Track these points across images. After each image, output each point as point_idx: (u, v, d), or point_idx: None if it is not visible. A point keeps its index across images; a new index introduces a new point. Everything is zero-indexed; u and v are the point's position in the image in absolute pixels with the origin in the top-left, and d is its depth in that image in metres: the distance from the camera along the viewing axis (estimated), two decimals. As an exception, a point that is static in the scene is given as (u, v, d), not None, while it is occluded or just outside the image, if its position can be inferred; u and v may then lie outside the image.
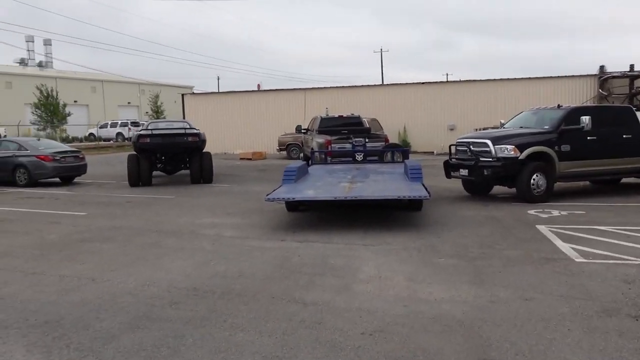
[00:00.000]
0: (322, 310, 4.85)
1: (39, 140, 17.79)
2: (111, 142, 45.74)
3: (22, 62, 68.82)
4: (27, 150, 16.45)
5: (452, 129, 27.44)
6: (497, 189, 12.36)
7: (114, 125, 47.22)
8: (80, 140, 46.30)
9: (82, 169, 17.24)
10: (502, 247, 7.18)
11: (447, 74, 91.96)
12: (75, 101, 61.55)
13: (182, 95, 31.02)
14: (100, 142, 42.81)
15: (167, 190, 14.91)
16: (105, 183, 17.16)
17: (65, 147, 17.74)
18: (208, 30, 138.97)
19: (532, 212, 9.81)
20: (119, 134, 46.03)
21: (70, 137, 45.04)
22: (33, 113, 43.37)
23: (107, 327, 4.55)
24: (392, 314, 4.70)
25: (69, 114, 44.19)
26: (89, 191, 15.01)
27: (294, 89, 30.19)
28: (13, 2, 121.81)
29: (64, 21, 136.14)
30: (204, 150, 16.98)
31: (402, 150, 15.42)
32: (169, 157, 17.23)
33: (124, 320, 4.69)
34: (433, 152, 27.10)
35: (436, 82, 29.74)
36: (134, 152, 16.49)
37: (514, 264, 6.30)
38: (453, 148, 12.40)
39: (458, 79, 31.19)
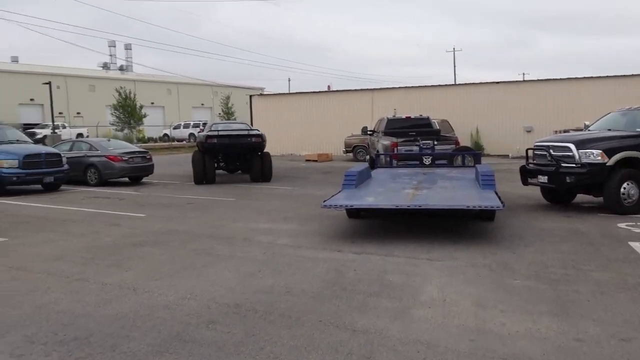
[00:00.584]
0: (373, 340, 4.20)
1: (109, 140, 18.18)
2: (183, 142, 46.95)
3: (105, 66, 72.27)
4: (98, 150, 16.80)
5: (529, 131, 25.84)
6: (581, 197, 11.19)
7: (186, 126, 48.46)
8: (155, 141, 47.84)
9: (149, 169, 17.42)
10: (590, 267, 6.22)
11: (523, 74, 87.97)
12: (152, 103, 63.85)
13: (250, 96, 31.14)
14: (172, 143, 43.98)
15: (229, 191, 14.71)
16: (170, 183, 17.25)
17: (134, 147, 18.02)
18: (281, 33, 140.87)
19: (622, 225, 8.67)
20: (191, 134, 47.08)
21: (145, 137, 46.62)
22: (112, 114, 45.20)
23: (135, 349, 4.11)
24: (456, 351, 3.98)
25: (145, 115, 45.71)
26: (153, 192, 15.06)
27: (362, 90, 29.54)
28: (98, 10, 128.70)
29: (144, 27, 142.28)
30: (264, 150, 17.71)
31: (473, 153, 14.41)
32: (232, 157, 17.99)
33: (154, 342, 4.25)
34: (508, 156, 25.62)
35: (512, 82, 28.13)
36: (199, 152, 17.13)
37: (604, 290, 5.37)
38: (530, 152, 11.33)
39: (535, 78, 29.32)
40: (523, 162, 11.67)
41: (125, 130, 44.11)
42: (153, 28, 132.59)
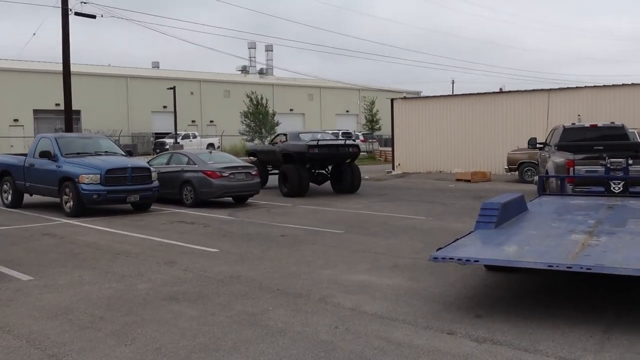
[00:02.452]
0: None
1: (211, 153, 17.63)
2: (321, 155, 46.63)
3: (244, 70, 75.80)
4: (195, 164, 16.29)
5: None
6: None
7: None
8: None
9: (252, 188, 16.53)
10: None
11: None
12: (290, 110, 65.40)
13: (392, 100, 29.49)
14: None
15: (342, 218, 13.17)
16: (279, 205, 16.22)
17: (238, 161, 17.25)
18: (445, 28, 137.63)
19: None
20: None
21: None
22: (242, 122, 46.43)
23: None
24: None
25: (277, 123, 46.32)
26: (251, 216, 14.06)
27: (534, 90, 26.38)
28: (242, 11, 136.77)
29: (290, 27, 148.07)
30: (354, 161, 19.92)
31: (691, 178, 11.30)
32: (323, 167, 19.94)
33: None
34: None
35: None
36: (291, 165, 18.59)
37: None
38: None
39: None
40: None
41: (256, 140, 44.99)
42: (300, 28, 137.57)
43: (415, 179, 25.23)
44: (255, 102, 45.18)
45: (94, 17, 26.37)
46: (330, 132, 48.84)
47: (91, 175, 13.77)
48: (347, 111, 71.88)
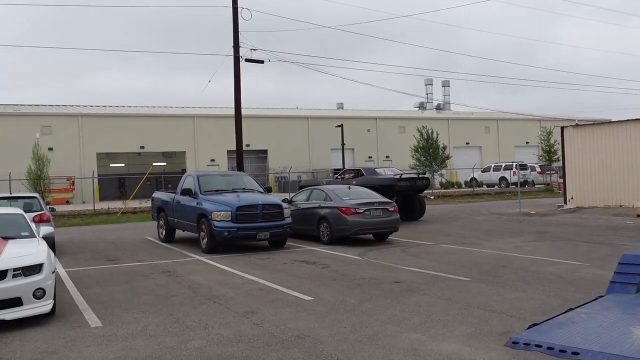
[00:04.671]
0: None
1: (349, 188, 16.32)
2: (494, 187, 43.25)
3: (421, 107, 74.03)
4: (332, 200, 15.12)
5: None
6: None
7: (497, 168, 44.50)
8: (460, 186, 45.44)
9: (389, 225, 14.89)
10: None
11: None
12: (466, 143, 62.26)
13: (562, 128, 25.84)
14: (475, 189, 40.73)
15: (480, 261, 10.98)
16: (417, 244, 14.37)
17: (377, 197, 15.68)
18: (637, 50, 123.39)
19: None
20: (502, 178, 43.07)
21: (444, 182, 44.79)
22: (412, 157, 44.67)
23: None
24: None
25: (449, 157, 43.82)
26: (379, 257, 12.43)
27: None
28: (418, 50, 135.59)
29: (468, 62, 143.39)
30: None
31: None
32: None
33: None
34: None
35: None
36: None
37: None
38: None
39: None
40: None
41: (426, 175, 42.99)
42: (478, 62, 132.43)
43: (588, 215, 21.53)
44: (425, 136, 43.26)
45: (262, 62, 26.92)
46: (503, 164, 45.47)
47: (222, 212, 13.20)
48: (526, 143, 66.47)
